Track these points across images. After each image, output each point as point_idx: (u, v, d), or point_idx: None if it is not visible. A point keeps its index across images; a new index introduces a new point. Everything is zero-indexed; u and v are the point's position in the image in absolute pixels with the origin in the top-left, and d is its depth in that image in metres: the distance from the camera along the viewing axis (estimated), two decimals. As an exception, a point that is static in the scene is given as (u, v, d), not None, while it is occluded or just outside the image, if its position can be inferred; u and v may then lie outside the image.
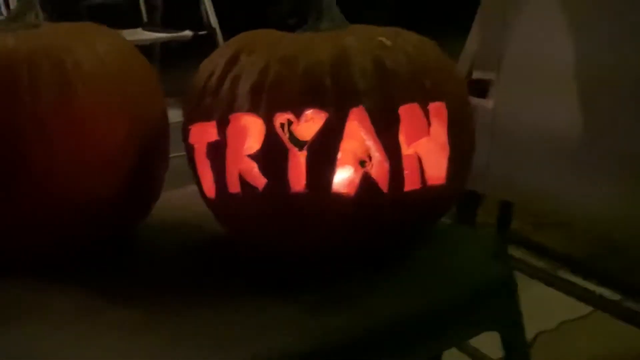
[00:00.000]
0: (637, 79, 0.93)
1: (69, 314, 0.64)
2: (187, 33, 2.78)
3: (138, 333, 0.61)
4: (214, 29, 2.73)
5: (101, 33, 0.75)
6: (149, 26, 3.08)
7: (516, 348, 0.73)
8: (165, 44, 3.10)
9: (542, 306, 1.26)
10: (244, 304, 0.64)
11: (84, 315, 0.64)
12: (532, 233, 1.70)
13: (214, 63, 0.68)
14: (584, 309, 1.45)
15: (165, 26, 3.06)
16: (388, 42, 0.67)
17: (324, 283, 0.67)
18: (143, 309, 0.64)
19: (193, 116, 0.68)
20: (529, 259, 1.29)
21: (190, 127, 0.68)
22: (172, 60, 3.03)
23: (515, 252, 1.25)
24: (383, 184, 0.64)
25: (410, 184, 0.65)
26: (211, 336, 0.60)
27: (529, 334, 0.76)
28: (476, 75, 1.14)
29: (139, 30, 2.91)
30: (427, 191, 0.66)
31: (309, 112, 0.63)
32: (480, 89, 1.13)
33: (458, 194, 0.73)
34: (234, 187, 0.65)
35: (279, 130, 0.63)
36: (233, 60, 0.66)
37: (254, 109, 0.63)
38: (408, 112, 0.64)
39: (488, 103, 1.12)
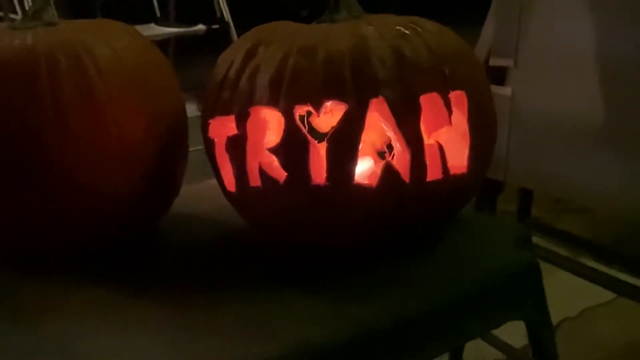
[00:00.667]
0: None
1: (92, 309, 0.64)
2: (201, 27, 2.78)
3: (163, 327, 0.61)
4: (227, 23, 2.73)
5: (118, 29, 0.75)
6: (162, 21, 3.08)
7: (542, 335, 0.73)
8: (178, 39, 3.10)
9: (565, 293, 1.25)
10: (268, 297, 0.64)
11: (107, 310, 0.64)
12: (553, 220, 1.69)
13: (232, 56, 0.68)
14: (608, 295, 1.44)
15: (178, 21, 3.06)
16: (407, 31, 0.66)
17: (348, 275, 0.67)
18: (167, 303, 0.65)
19: (212, 110, 0.68)
20: (551, 246, 1.28)
21: (209, 121, 0.68)
22: (185, 55, 3.03)
23: (537, 239, 1.24)
24: (405, 174, 0.63)
25: (432, 174, 0.64)
26: (237, 329, 0.60)
27: (553, 321, 0.76)
28: (493, 62, 1.13)
29: (152, 25, 2.91)
30: (449, 181, 0.65)
31: (328, 104, 0.62)
32: (498, 76, 1.13)
33: (480, 182, 0.72)
34: (255, 180, 0.65)
35: (298, 122, 0.63)
36: (251, 53, 0.66)
37: (273, 101, 0.63)
38: (428, 102, 0.64)
39: (506, 90, 1.11)
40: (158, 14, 3.31)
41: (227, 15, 2.74)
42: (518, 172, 1.12)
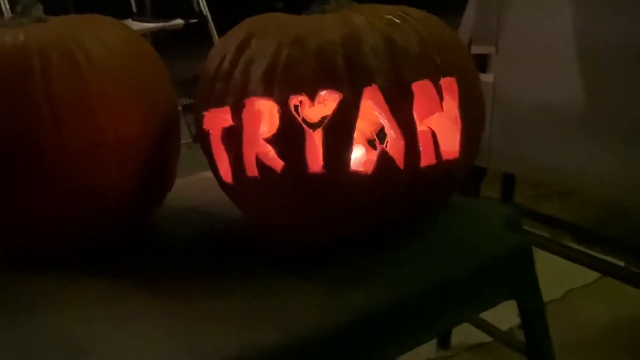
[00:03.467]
0: (636, 46, 0.93)
1: (91, 301, 0.65)
2: (179, 21, 2.76)
3: (162, 317, 0.62)
4: (206, 16, 2.71)
5: (107, 23, 0.75)
6: (139, 16, 3.06)
7: (534, 315, 0.74)
8: (154, 34, 3.08)
9: (549, 275, 1.27)
10: (267, 285, 0.65)
11: (106, 303, 0.65)
12: (534, 204, 1.71)
13: (224, 49, 0.68)
14: (591, 276, 1.47)
15: (155, 16, 3.04)
16: (397, 20, 0.67)
17: (345, 261, 0.68)
18: (165, 294, 0.65)
19: (206, 102, 0.69)
20: (534, 229, 1.30)
21: (204, 113, 0.69)
22: (164, 50, 3.01)
23: (521, 223, 1.26)
24: (399, 160, 0.64)
25: (426, 159, 0.65)
26: (237, 317, 0.61)
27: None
28: (475, 50, 1.15)
29: (129, 20, 2.89)
30: (442, 166, 0.66)
31: (323, 93, 0.63)
32: (480, 63, 1.14)
33: (470, 166, 0.73)
34: (252, 170, 0.66)
35: (294, 112, 0.64)
36: (244, 45, 0.67)
37: (268, 92, 0.64)
38: (420, 89, 0.65)
39: (488, 77, 1.13)
40: (135, 9, 3.28)
41: (205, 9, 2.72)
42: (500, 157, 1.13)
